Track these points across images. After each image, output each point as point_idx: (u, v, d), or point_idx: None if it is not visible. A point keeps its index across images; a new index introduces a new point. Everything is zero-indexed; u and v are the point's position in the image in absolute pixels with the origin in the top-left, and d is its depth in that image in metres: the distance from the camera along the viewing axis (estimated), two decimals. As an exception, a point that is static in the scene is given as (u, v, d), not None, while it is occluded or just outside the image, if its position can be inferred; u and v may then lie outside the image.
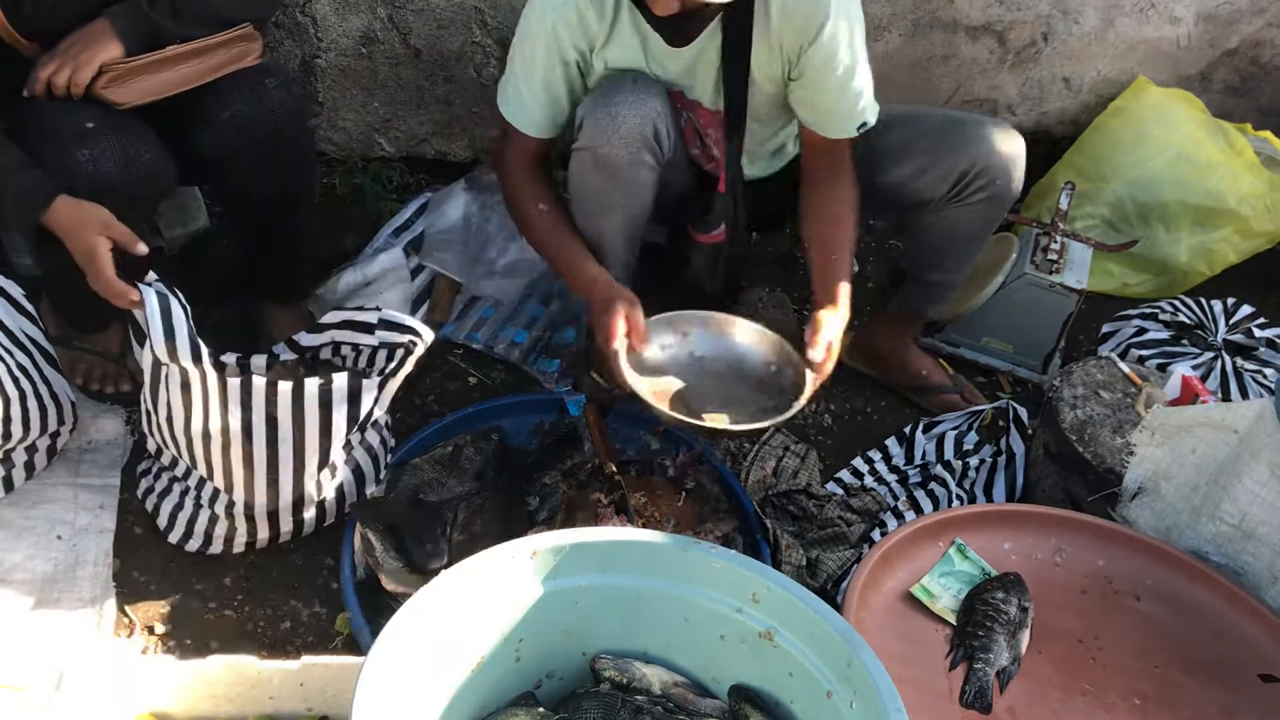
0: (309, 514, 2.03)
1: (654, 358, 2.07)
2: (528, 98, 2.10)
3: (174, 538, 2.03)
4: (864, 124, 2.10)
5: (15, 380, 1.93)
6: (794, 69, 2.05)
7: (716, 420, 1.98)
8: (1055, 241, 2.60)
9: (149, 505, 2.07)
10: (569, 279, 2.16)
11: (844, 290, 2.04)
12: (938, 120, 2.26)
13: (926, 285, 2.40)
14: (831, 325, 1.98)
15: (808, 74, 2.03)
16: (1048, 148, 3.12)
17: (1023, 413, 2.41)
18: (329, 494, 2.03)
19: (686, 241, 2.39)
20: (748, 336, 2.11)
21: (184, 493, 2.01)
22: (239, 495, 1.95)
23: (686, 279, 2.50)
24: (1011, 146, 2.19)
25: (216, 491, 1.97)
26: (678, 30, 1.87)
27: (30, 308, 2.00)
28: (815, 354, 1.95)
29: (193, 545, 2.02)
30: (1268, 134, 3.04)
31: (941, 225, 2.28)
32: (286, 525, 2.02)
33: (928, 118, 2.28)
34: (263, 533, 2.02)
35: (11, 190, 1.80)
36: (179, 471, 2.02)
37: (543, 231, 2.17)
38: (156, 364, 1.86)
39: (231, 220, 2.39)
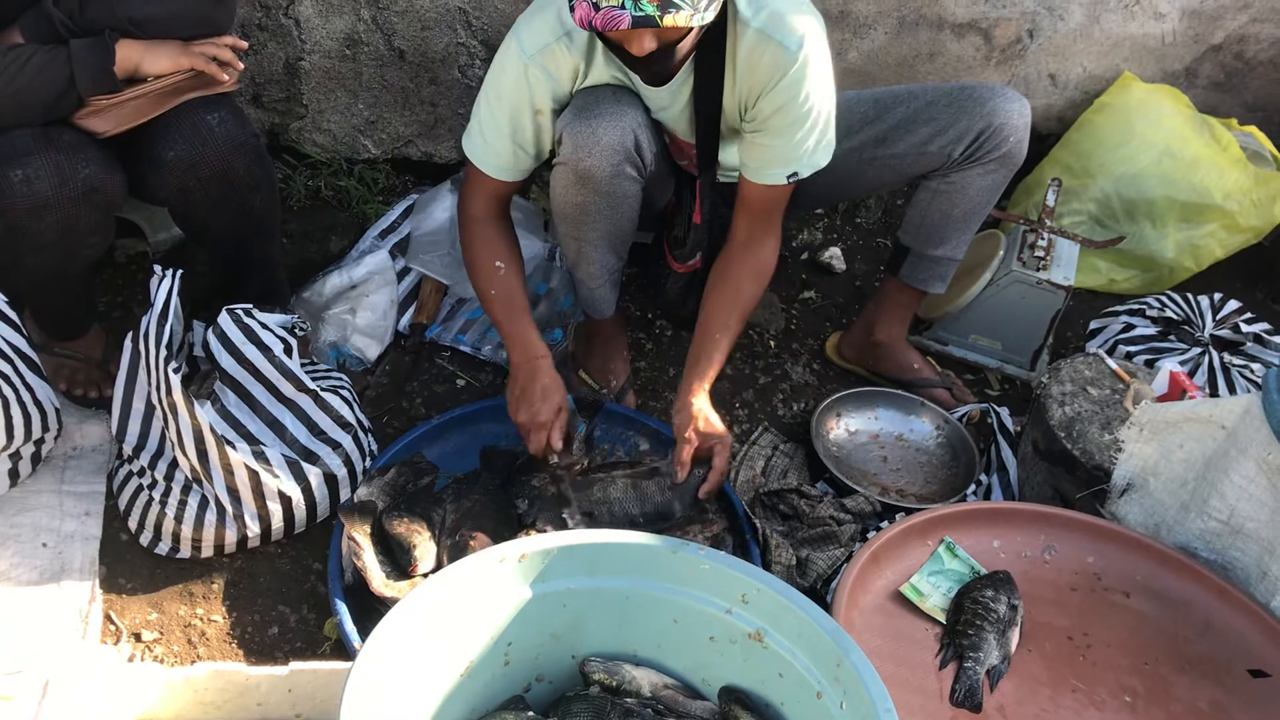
0: (274, 509, 2.00)
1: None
2: (493, 140, 2.08)
3: (144, 540, 2.04)
4: (794, 174, 2.08)
5: (-3, 387, 1.92)
6: (749, 111, 2.06)
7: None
8: (1042, 238, 2.60)
9: (121, 505, 2.07)
10: (513, 348, 2.15)
11: (707, 376, 2.10)
12: (945, 88, 2.30)
13: (930, 260, 2.42)
14: (690, 418, 2.06)
15: (758, 119, 2.04)
16: (1034, 145, 3.09)
17: (1007, 420, 2.40)
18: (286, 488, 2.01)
19: (664, 268, 2.39)
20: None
21: (149, 500, 2.01)
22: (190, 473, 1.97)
23: (661, 302, 2.50)
24: (1023, 108, 2.27)
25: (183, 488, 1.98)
26: (655, 70, 1.87)
27: (13, 314, 1.98)
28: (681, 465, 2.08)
29: (162, 549, 2.02)
30: (1253, 129, 3.05)
31: (951, 191, 2.31)
32: (254, 529, 2.01)
33: (932, 89, 2.31)
34: (231, 535, 2.00)
35: (77, 56, 1.87)
36: (145, 479, 2.03)
37: (496, 288, 2.15)
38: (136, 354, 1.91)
39: (199, 246, 2.37)
